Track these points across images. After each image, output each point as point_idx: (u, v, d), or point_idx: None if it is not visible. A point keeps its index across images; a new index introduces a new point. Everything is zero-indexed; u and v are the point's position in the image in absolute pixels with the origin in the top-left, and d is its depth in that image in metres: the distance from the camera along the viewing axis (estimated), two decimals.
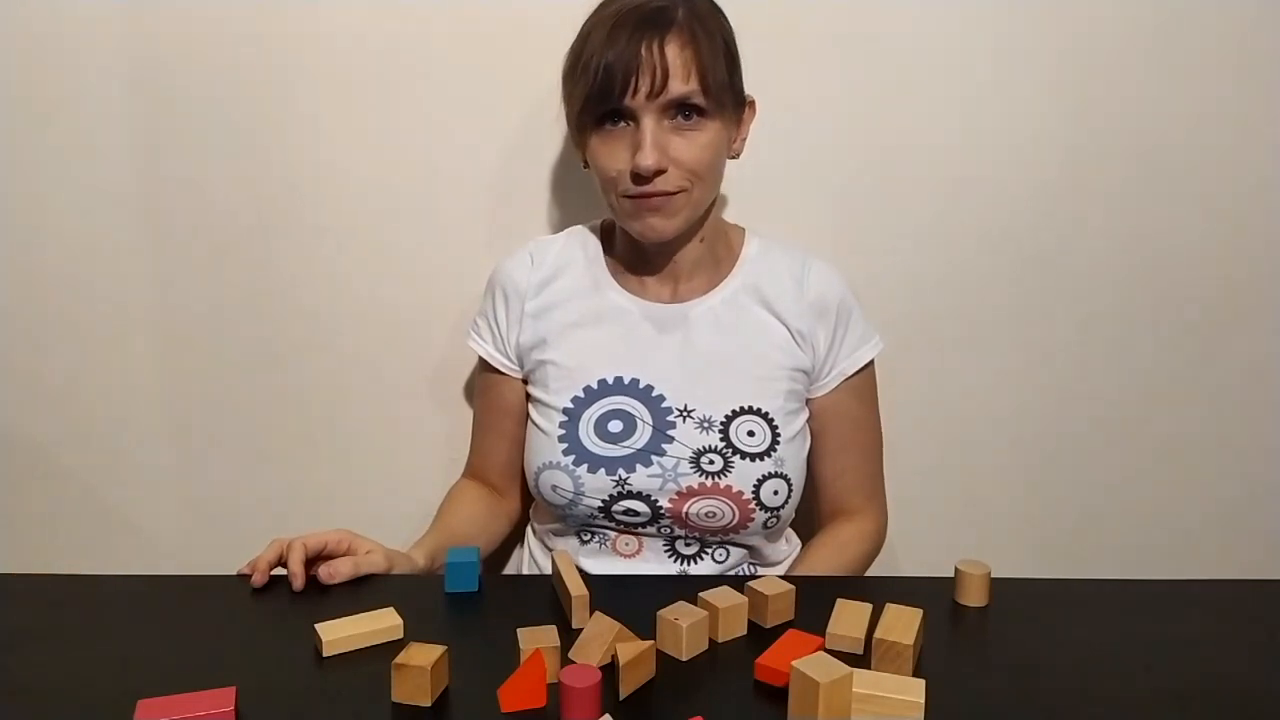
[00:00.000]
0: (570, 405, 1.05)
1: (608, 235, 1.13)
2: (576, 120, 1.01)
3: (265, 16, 1.23)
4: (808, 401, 1.11)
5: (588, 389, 1.06)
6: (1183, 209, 1.34)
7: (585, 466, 1.03)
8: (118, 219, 1.30)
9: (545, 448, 1.05)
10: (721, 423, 1.04)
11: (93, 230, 1.30)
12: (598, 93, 0.96)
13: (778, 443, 1.04)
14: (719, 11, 1.02)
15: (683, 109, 0.97)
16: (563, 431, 1.04)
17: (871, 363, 1.13)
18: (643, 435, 1.04)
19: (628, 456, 1.03)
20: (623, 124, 0.98)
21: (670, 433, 1.04)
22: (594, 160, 1.01)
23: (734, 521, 1.03)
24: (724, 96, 0.99)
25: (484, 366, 1.15)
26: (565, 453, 1.04)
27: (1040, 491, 1.43)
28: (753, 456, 1.03)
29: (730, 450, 1.03)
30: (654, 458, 1.03)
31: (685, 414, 1.04)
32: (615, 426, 1.04)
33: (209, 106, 1.26)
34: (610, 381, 1.06)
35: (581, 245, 1.13)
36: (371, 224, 1.31)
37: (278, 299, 1.33)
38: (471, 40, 1.25)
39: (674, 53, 0.95)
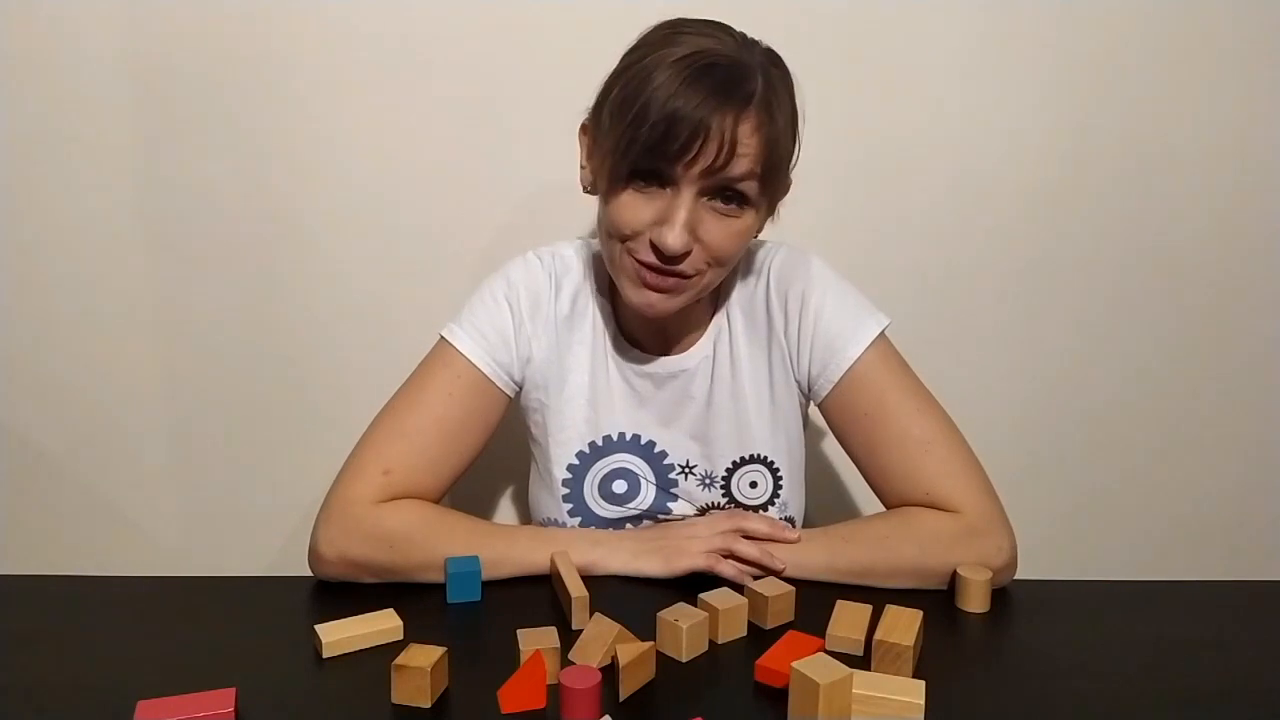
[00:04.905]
0: (575, 461, 1.02)
1: (601, 274, 1.02)
2: (610, 161, 0.86)
3: (265, 17, 1.23)
4: (820, 405, 1.00)
5: (592, 445, 1.02)
6: (1182, 209, 1.34)
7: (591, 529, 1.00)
8: (118, 219, 1.30)
9: (549, 504, 1.03)
10: (723, 477, 1.01)
11: (93, 230, 1.30)
12: (650, 145, 0.82)
13: (780, 488, 1.02)
14: (790, 81, 0.89)
15: (725, 192, 0.86)
16: (567, 491, 1.02)
17: (877, 348, 0.96)
18: (647, 496, 1.02)
19: (633, 518, 1.01)
20: (656, 185, 0.86)
21: (674, 490, 1.02)
22: (614, 212, 0.88)
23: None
24: (776, 188, 0.90)
25: (457, 368, 0.97)
26: (571, 513, 1.02)
27: (1040, 492, 1.43)
28: (757, 508, 1.01)
29: (733, 505, 1.01)
30: (660, 519, 1.01)
31: (688, 470, 1.02)
32: (620, 487, 1.02)
33: (209, 106, 1.26)
34: (614, 438, 1.02)
35: (586, 280, 1.03)
36: (372, 224, 1.31)
37: (278, 299, 1.33)
38: (473, 41, 1.25)
39: (746, 133, 0.83)
